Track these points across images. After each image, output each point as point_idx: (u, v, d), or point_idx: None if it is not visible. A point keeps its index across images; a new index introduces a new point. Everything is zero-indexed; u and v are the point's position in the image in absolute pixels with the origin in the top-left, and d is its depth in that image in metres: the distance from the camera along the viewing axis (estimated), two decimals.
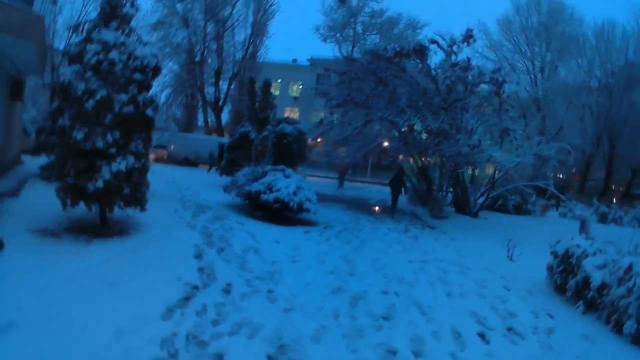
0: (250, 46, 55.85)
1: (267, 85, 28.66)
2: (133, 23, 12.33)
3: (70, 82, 10.58)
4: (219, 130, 54.55)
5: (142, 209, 11.53)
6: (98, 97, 10.43)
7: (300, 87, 66.54)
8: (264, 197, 16.05)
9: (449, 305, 9.42)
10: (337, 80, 26.10)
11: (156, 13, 53.85)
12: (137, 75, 11.00)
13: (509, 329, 8.41)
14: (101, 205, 11.25)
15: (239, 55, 56.17)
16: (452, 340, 7.67)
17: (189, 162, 41.65)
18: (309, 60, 65.39)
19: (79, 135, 10.32)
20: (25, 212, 11.88)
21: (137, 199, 11.27)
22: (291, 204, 15.88)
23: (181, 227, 13.33)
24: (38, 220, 11.32)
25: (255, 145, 22.60)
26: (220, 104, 55.80)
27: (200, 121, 61.07)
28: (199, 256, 10.76)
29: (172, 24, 54.88)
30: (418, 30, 50.29)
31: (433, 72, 22.84)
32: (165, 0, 53.87)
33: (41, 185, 15.64)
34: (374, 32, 53.03)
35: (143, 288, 8.12)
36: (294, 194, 16.05)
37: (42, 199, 12.79)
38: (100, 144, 10.41)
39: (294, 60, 69.30)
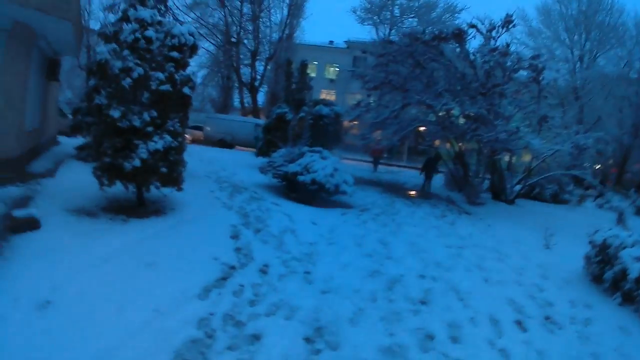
0: (287, 27, 55.10)
1: (303, 66, 28.54)
2: (169, 3, 12.15)
3: (106, 61, 10.54)
4: (255, 111, 54.31)
5: (179, 188, 11.56)
6: (135, 75, 10.46)
7: (337, 69, 66.15)
8: (300, 178, 15.94)
9: (486, 292, 9.31)
10: (375, 63, 25.94)
11: None
12: (174, 54, 11.00)
13: (547, 318, 8.29)
14: (138, 184, 11.34)
15: (275, 36, 55.55)
16: (489, 326, 7.57)
17: (225, 143, 41.33)
18: (345, 42, 64.76)
19: (115, 113, 10.34)
20: (62, 192, 12.01)
21: (174, 179, 11.31)
22: (328, 185, 15.76)
23: (218, 208, 13.38)
24: (74, 200, 11.45)
25: (291, 126, 22.41)
26: (256, 85, 55.33)
27: (236, 102, 60.75)
28: (235, 236, 10.76)
29: (207, 4, 54.67)
30: (456, 15, 49.07)
31: (471, 57, 22.46)
32: None
33: (77, 166, 15.84)
34: (412, 15, 51.60)
35: (180, 268, 8.15)
36: (331, 175, 15.94)
37: (79, 179, 12.94)
38: (137, 122, 10.45)
39: (331, 42, 68.85)
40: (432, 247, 12.53)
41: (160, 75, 10.76)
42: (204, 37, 52.94)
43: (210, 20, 55.09)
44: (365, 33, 73.44)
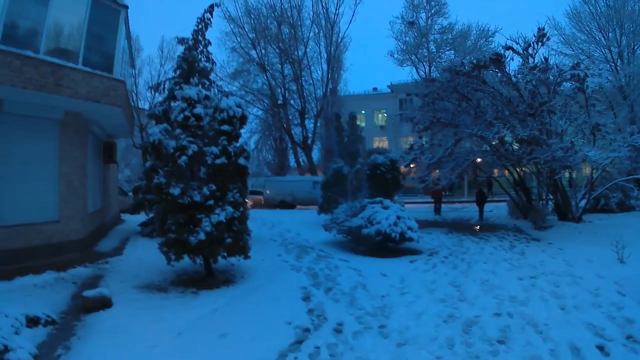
0: (330, 82, 55.41)
1: (352, 118, 28.93)
2: (212, 76, 12.61)
3: (160, 141, 11.04)
4: (312, 169, 54.52)
5: (246, 256, 11.85)
6: (190, 152, 10.88)
7: (385, 115, 66.11)
8: (365, 231, 15.91)
9: (564, 320, 9.06)
10: (421, 103, 25.96)
11: (233, 63, 55.60)
12: (225, 127, 11.39)
13: (628, 337, 8.02)
14: (205, 256, 11.64)
15: (319, 92, 56.00)
16: (570, 357, 7.36)
17: (286, 204, 42.06)
18: (389, 86, 64.77)
19: (175, 191, 10.76)
20: (130, 269, 12.54)
21: (240, 248, 11.59)
22: (393, 235, 15.65)
23: (286, 271, 13.50)
24: (143, 276, 11.93)
25: (349, 180, 22.48)
26: (309, 143, 55.57)
27: (292, 162, 60.71)
28: (307, 298, 10.80)
29: (249, 71, 55.91)
30: (490, 39, 48.57)
31: (514, 79, 22.33)
32: (239, 49, 55.23)
33: (143, 242, 16.35)
34: (447, 48, 51.14)
35: (254, 336, 8.21)
36: (395, 224, 15.85)
37: (146, 255, 13.38)
38: (197, 197, 10.81)
39: (375, 89, 69.04)
40: (504, 282, 12.27)
41: (215, 150, 11.16)
42: (251, 103, 54.10)
43: (254, 86, 56.16)
44: (406, 74, 73.54)
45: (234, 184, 11.52)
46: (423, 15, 52.71)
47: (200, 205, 10.94)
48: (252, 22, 54.28)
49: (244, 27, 54.73)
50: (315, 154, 57.71)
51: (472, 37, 50.04)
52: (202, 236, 10.67)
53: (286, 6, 54.02)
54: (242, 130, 12.25)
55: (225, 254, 11.56)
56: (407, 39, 52.95)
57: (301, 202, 40.94)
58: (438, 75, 26.82)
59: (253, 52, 54.89)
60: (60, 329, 8.55)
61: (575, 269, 13.25)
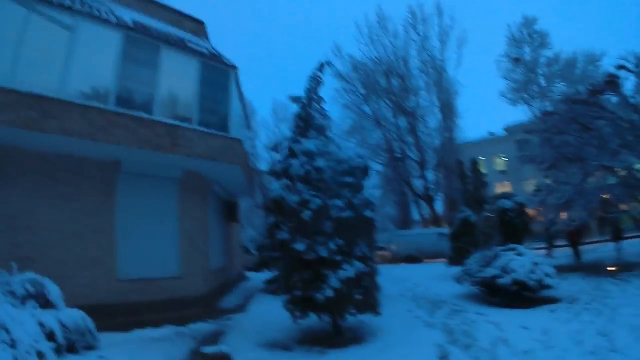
0: (446, 131, 55.11)
1: (474, 164, 28.13)
2: (328, 133, 12.50)
3: (282, 197, 10.87)
4: (436, 220, 53.71)
5: (376, 313, 11.27)
6: (313, 206, 10.59)
7: (504, 159, 64.79)
8: (500, 281, 14.97)
9: None
10: (540, 140, 24.75)
11: (347, 119, 56.62)
12: (348, 179, 11.11)
13: None
14: (332, 313, 11.16)
15: (436, 141, 55.67)
16: None
17: (412, 258, 40.76)
18: (504, 129, 64.36)
19: (300, 247, 10.48)
20: (254, 326, 12.39)
21: (370, 304, 11.08)
22: (530, 283, 14.64)
23: (419, 327, 12.75)
24: (267, 334, 11.69)
25: (479, 228, 21.63)
26: (430, 194, 55.00)
27: (415, 215, 60.73)
28: (444, 357, 10.07)
29: (364, 127, 56.71)
30: (597, 63, 46.90)
31: (631, 100, 20.94)
32: (352, 106, 56.39)
33: (267, 299, 16.25)
34: (557, 80, 49.96)
35: None
36: (532, 272, 14.83)
37: (270, 312, 13.14)
38: (323, 252, 10.47)
39: (491, 134, 68.36)
40: None
41: (339, 203, 10.85)
42: (370, 158, 53.28)
43: (371, 141, 56.68)
44: (521, 113, 72.22)
45: (361, 237, 11.10)
46: (527, 49, 52.32)
47: (326, 261, 10.58)
48: (361, 77, 55.43)
49: (353, 84, 55.95)
50: (438, 205, 57.03)
51: (579, 65, 48.90)
52: (329, 293, 10.30)
53: (392, 58, 54.80)
54: (365, 183, 11.86)
55: (354, 310, 11.04)
56: (516, 76, 52.42)
57: (427, 255, 40.15)
58: (554, 108, 25.37)
59: (365, 107, 56.03)
60: None
61: None
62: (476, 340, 11.25)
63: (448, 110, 54.93)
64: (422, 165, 54.84)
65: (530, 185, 26.96)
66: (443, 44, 54.96)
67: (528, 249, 16.57)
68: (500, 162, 66.26)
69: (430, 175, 55.94)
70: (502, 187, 58.67)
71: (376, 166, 56.35)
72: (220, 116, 16.29)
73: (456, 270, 19.85)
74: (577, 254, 26.52)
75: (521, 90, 52.02)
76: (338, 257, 10.59)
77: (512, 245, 16.65)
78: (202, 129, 15.25)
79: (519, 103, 53.04)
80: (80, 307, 10.08)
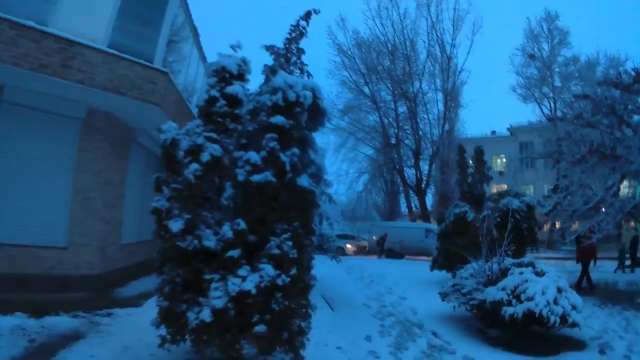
0: (447, 122, 52.06)
1: (478, 153, 22.85)
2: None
3: (174, 141, 6.52)
4: (424, 215, 50.41)
5: (297, 357, 6.37)
6: (205, 157, 6.10)
7: (504, 160, 61.42)
8: (508, 311, 9.89)
9: None
10: (570, 129, 20.10)
11: (342, 98, 53.74)
12: (277, 119, 6.28)
13: None
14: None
15: (435, 132, 52.54)
16: None
17: (393, 253, 37.61)
18: (508, 129, 61.21)
19: (174, 225, 5.98)
20: (130, 331, 8.92)
21: (287, 341, 6.18)
22: (552, 319, 9.62)
23: None
24: (136, 350, 7.73)
25: (482, 229, 15.75)
26: (422, 186, 51.60)
27: (403, 207, 57.59)
28: None
29: (360, 107, 53.80)
30: (620, 68, 43.30)
31: None
32: (349, 83, 53.27)
33: None
34: (574, 81, 47.30)
35: None
36: (555, 302, 9.82)
37: None
38: (210, 241, 5.88)
39: (493, 133, 64.89)
40: None
41: (253, 157, 6.08)
42: (362, 140, 52.88)
43: (366, 123, 54.04)
44: (527, 115, 69.64)
45: (286, 221, 6.27)
46: (545, 46, 50.37)
47: (214, 257, 5.92)
48: (363, 55, 52.38)
49: (355, 59, 52.84)
50: (429, 199, 54.03)
51: (600, 67, 46.41)
52: (205, 315, 5.57)
53: (398, 40, 51.88)
54: (312, 134, 7.08)
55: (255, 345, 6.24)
56: (530, 72, 50.86)
57: (410, 251, 37.48)
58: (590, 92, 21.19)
59: (365, 88, 53.00)
60: None
61: None
62: None
63: (452, 99, 52.03)
64: (417, 154, 51.65)
65: (529, 190, 23.10)
66: (456, 28, 51.76)
67: (548, 266, 11.52)
68: (500, 164, 62.58)
69: (424, 166, 52.94)
70: (499, 190, 55.68)
71: (368, 150, 54.53)
72: (146, 43, 12.77)
73: (441, 276, 18.22)
74: (587, 274, 19.88)
75: (534, 87, 50.44)
76: (234, 253, 5.84)
77: (527, 259, 11.63)
78: (109, 50, 11.49)
79: (530, 101, 51.62)
80: None
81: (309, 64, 19.42)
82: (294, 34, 19.53)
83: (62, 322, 9.23)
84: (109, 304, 11.05)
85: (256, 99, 6.63)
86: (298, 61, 19.58)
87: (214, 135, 6.25)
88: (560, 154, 20.42)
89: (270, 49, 19.33)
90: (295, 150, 6.28)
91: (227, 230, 5.83)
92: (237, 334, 5.77)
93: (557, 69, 49.39)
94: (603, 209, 17.65)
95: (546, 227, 25.98)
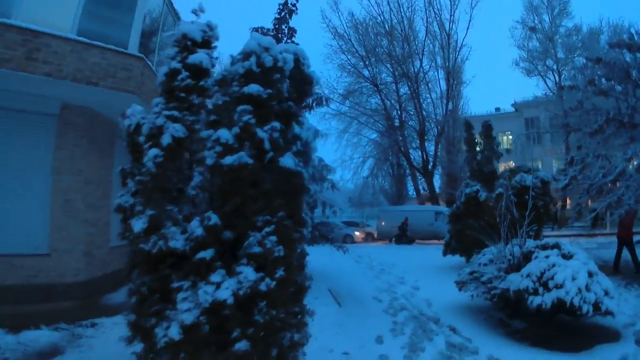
0: (450, 101, 51.15)
1: (487, 128, 21.63)
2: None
3: (138, 125, 5.66)
4: (433, 197, 49.53)
5: None
6: (166, 139, 5.07)
7: (510, 137, 60.56)
8: (535, 300, 8.64)
9: None
10: (579, 98, 18.79)
11: (342, 82, 52.87)
12: (253, 88, 5.17)
13: None
14: None
15: (439, 112, 51.59)
16: None
17: (403, 238, 36.55)
18: (513, 105, 60.35)
19: (137, 224, 5.00)
20: (113, 345, 6.97)
21: (276, 359, 5.08)
22: (585, 308, 8.40)
23: None
24: None
25: (499, 208, 14.08)
26: (429, 168, 50.75)
27: (411, 191, 56.55)
28: None
29: (362, 90, 52.81)
30: (632, 29, 42.03)
31: None
32: (348, 66, 52.30)
33: None
34: (577, 52, 45.64)
35: None
36: (587, 288, 8.59)
37: None
38: (177, 242, 4.88)
39: (497, 109, 63.75)
40: None
41: (224, 135, 5.02)
42: (365, 124, 52.17)
43: (368, 106, 53.22)
44: (531, 90, 69.10)
45: (269, 212, 5.13)
46: (546, 17, 49.85)
47: (184, 261, 4.86)
48: (360, 37, 51.45)
49: (352, 43, 51.86)
50: (436, 181, 53.18)
51: (603, 36, 44.22)
52: (174, 333, 4.50)
53: (395, 19, 51.05)
54: (297, 107, 5.89)
55: None
56: (532, 45, 50.58)
57: (420, 235, 36.49)
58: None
59: (364, 71, 52.13)
60: None
61: None
62: None
63: (454, 76, 51.03)
64: (422, 135, 50.58)
65: (536, 167, 22.15)
66: (454, 3, 50.49)
67: (576, 247, 10.34)
68: (506, 141, 61.09)
69: (430, 147, 51.92)
70: (506, 167, 54.86)
71: (372, 134, 53.40)
72: (119, 27, 11.99)
73: (454, 260, 17.63)
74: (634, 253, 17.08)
75: (537, 59, 49.79)
76: (206, 255, 4.73)
77: (552, 241, 10.42)
78: (78, 38, 10.75)
79: (533, 74, 50.75)
80: None
81: (304, 49, 18.43)
82: (283, 13, 19.10)
83: (41, 337, 8.40)
84: (96, 313, 10.42)
85: (227, 69, 5.58)
86: (289, 41, 18.72)
87: (175, 113, 5.22)
88: (570, 126, 19.21)
89: (258, 30, 18.51)
90: (276, 124, 5.15)
91: (195, 227, 4.74)
92: (216, 353, 4.71)
93: (559, 41, 48.43)
94: (617, 184, 16.52)
95: (558, 204, 24.91)
